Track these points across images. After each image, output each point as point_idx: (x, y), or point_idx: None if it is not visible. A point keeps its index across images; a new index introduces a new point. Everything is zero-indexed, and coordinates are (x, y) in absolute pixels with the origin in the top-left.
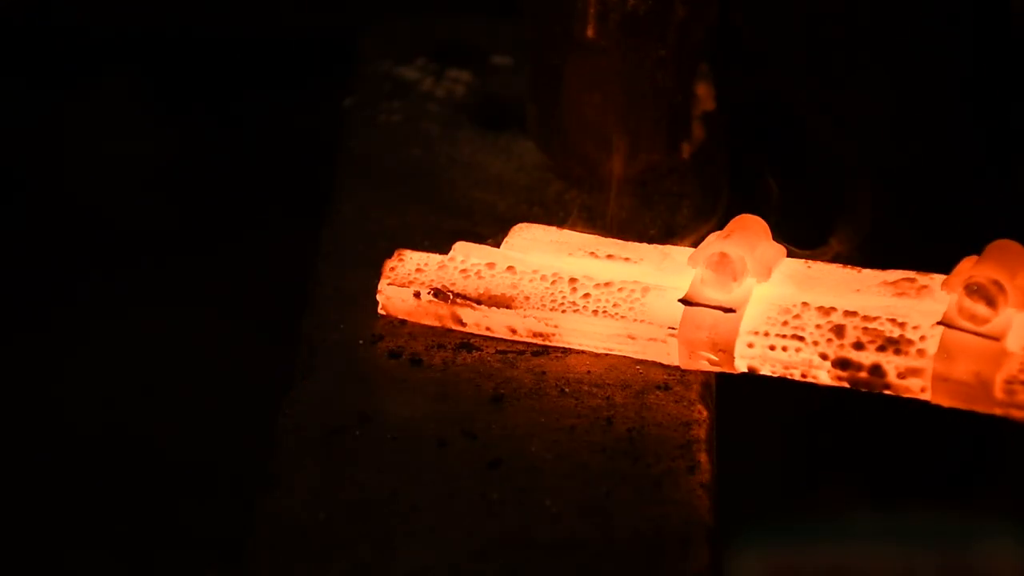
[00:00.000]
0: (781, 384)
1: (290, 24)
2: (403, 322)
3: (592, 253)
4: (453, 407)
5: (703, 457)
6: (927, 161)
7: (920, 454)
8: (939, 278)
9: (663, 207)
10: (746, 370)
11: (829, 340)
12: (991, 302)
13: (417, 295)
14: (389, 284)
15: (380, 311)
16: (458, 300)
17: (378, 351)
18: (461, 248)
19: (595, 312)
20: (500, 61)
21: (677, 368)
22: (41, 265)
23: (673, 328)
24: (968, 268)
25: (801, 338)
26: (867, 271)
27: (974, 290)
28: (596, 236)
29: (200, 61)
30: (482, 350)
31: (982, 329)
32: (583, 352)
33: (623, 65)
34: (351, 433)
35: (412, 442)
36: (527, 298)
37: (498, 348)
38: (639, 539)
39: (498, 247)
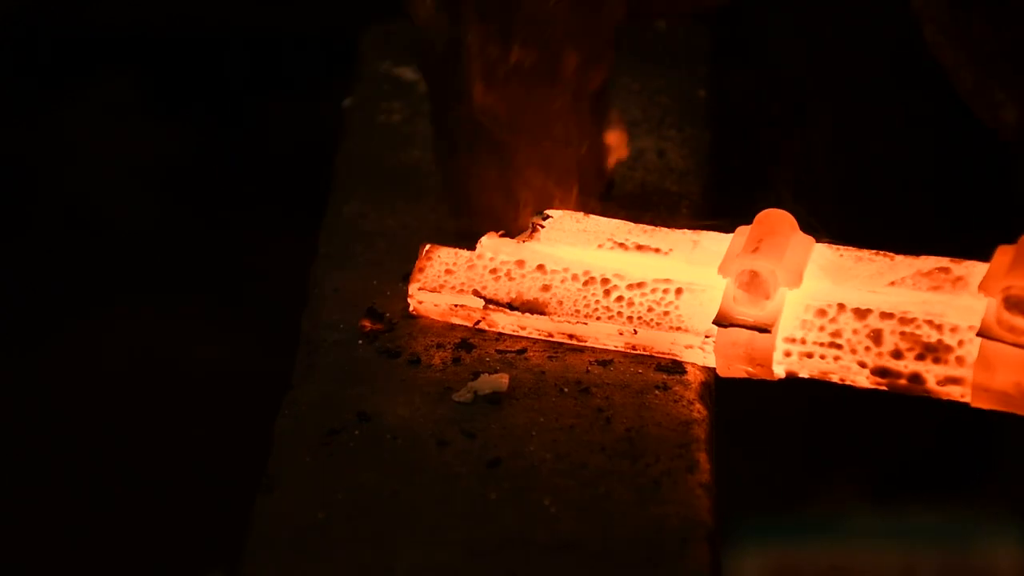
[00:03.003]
0: (781, 384)
1: (290, 24)
2: (401, 322)
3: (621, 244)
4: (452, 407)
5: (702, 457)
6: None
7: (920, 452)
8: (973, 266)
9: (662, 207)
10: (784, 376)
11: (867, 348)
12: None
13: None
14: (419, 288)
15: (412, 312)
16: (490, 306)
17: (377, 351)
18: (489, 244)
19: (630, 319)
20: None
21: (676, 368)
22: (40, 264)
23: (709, 336)
24: (1004, 265)
25: (839, 345)
26: (900, 258)
27: (1013, 303)
28: (624, 222)
29: (200, 61)
30: (481, 349)
31: (1017, 339)
32: (583, 351)
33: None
34: (350, 433)
35: (411, 442)
36: (560, 303)
37: (497, 348)
38: (638, 539)
39: (528, 231)
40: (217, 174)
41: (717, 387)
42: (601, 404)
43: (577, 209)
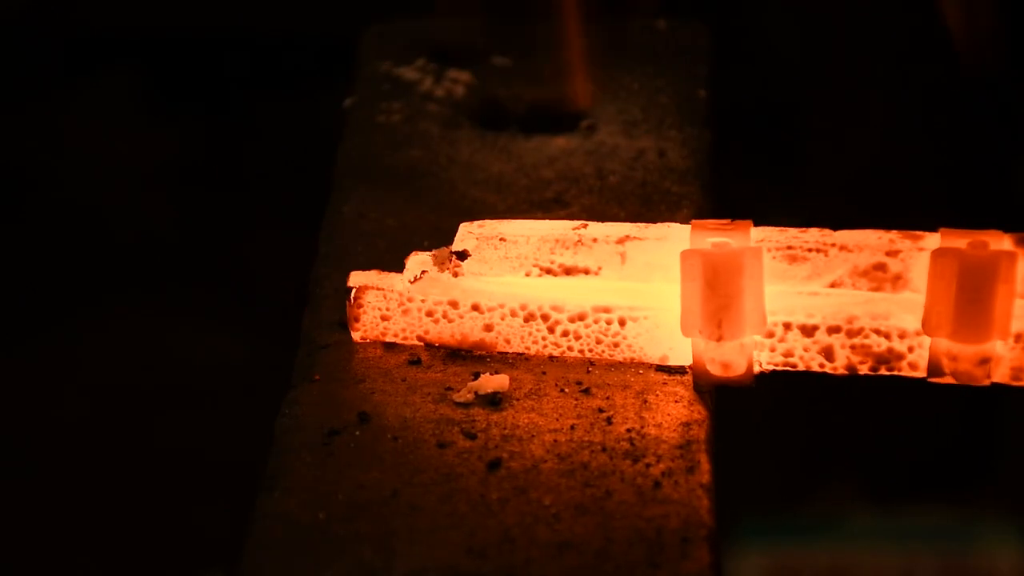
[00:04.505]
0: (780, 385)
1: (290, 24)
2: None
3: (548, 269)
4: (453, 407)
5: (702, 457)
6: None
7: (920, 453)
8: (909, 257)
9: (663, 207)
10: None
11: (821, 365)
12: (976, 380)
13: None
14: (362, 338)
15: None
16: (440, 349)
17: (378, 351)
18: (417, 288)
19: (581, 352)
20: (500, 61)
21: (677, 369)
22: (40, 263)
23: (664, 362)
24: (945, 294)
25: (794, 364)
26: (833, 253)
27: (961, 377)
28: (543, 237)
29: (200, 61)
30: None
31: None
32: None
33: None
34: (351, 433)
35: (412, 442)
36: (507, 340)
37: (498, 349)
38: (639, 539)
39: (448, 256)
40: (217, 174)
41: (717, 388)
42: (602, 404)
43: None
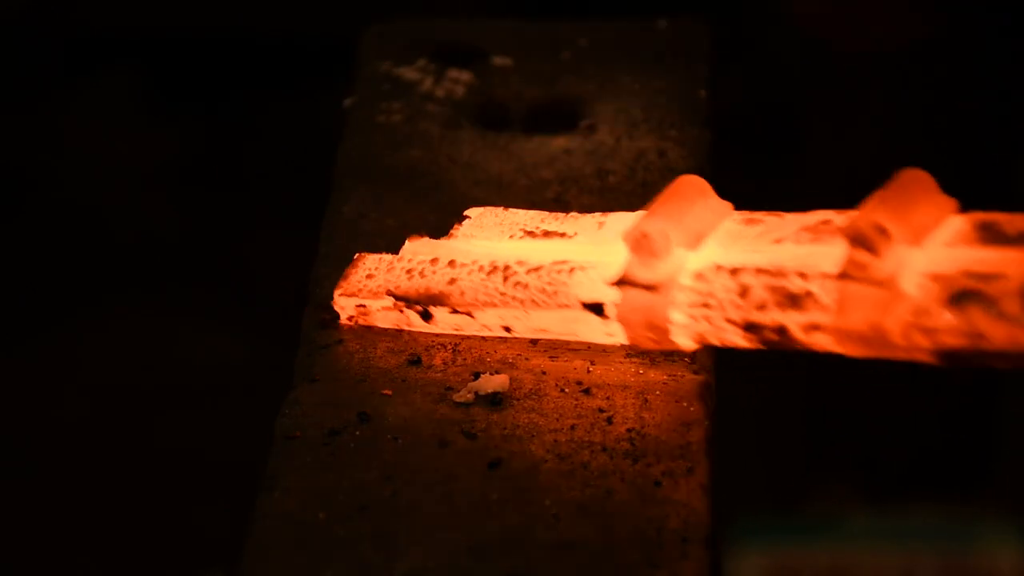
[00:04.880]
0: (780, 385)
1: (290, 24)
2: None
3: (531, 233)
4: (453, 407)
5: (702, 457)
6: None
7: (920, 452)
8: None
9: None
10: (682, 345)
11: (736, 304)
12: (872, 249)
13: (361, 306)
14: (341, 295)
15: (344, 322)
16: (399, 303)
17: (378, 351)
18: (410, 247)
19: (522, 302)
20: (500, 61)
21: (678, 368)
22: (40, 263)
23: (587, 304)
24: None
25: (708, 305)
26: (790, 216)
27: (858, 240)
28: (540, 212)
29: (200, 61)
30: (482, 349)
31: (866, 276)
32: (583, 351)
33: None
34: (351, 433)
35: (412, 442)
36: (462, 293)
37: (498, 348)
38: (639, 539)
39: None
40: (217, 174)
41: (718, 388)
42: (602, 404)
43: None
